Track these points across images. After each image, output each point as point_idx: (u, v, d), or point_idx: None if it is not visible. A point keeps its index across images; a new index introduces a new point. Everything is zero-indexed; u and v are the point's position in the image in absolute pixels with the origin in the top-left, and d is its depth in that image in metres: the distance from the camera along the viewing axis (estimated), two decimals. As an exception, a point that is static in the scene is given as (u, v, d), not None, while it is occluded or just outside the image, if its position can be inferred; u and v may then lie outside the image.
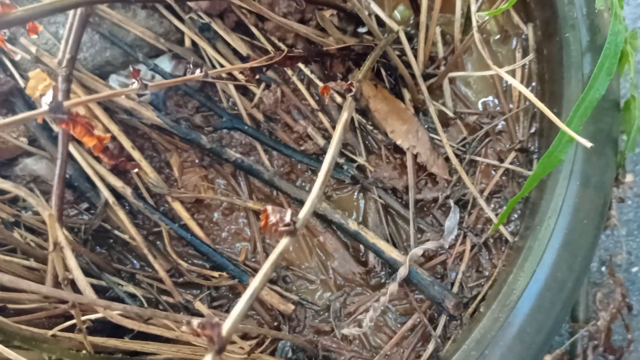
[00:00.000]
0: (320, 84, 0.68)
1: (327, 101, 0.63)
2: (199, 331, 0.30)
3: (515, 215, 0.66)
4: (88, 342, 0.43)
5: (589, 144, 0.45)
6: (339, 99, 0.68)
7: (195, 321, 0.30)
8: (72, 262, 0.38)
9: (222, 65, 0.69)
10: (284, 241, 0.36)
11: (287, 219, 0.36)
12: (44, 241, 0.59)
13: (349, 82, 0.39)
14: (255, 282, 0.33)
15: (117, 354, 0.48)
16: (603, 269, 0.92)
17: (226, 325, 0.30)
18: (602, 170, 0.60)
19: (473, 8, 0.58)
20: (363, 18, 0.53)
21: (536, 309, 0.55)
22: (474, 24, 0.54)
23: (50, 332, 0.42)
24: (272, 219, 0.37)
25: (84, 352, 0.42)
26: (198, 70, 0.41)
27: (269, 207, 0.36)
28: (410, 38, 0.70)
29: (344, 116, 0.38)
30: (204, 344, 0.48)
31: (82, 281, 0.39)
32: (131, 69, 0.68)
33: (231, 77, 0.69)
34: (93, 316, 0.42)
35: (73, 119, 0.31)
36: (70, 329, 0.48)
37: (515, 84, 0.47)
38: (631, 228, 0.94)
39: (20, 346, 0.41)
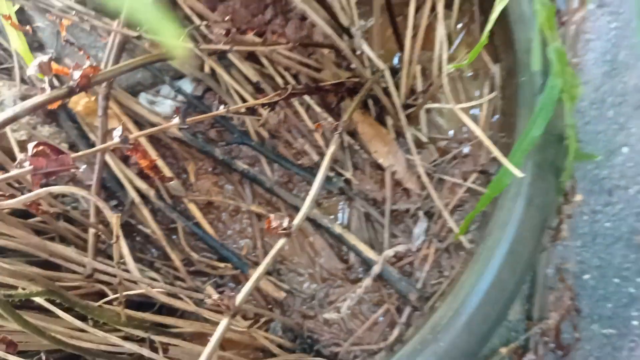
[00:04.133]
0: (318, 109, 0.81)
1: (321, 130, 0.75)
2: (219, 301, 0.43)
3: (474, 226, 0.79)
4: (124, 312, 0.56)
5: (521, 174, 0.58)
6: (332, 121, 0.81)
7: (216, 295, 0.43)
8: (125, 250, 0.51)
9: (234, 87, 0.81)
10: (281, 241, 0.48)
11: (285, 224, 0.49)
12: (82, 232, 0.71)
13: (336, 124, 0.52)
14: (259, 269, 0.46)
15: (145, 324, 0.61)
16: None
17: (238, 298, 0.43)
18: (544, 193, 0.72)
19: (444, 56, 0.70)
20: (353, 61, 0.66)
21: (482, 304, 0.65)
22: (444, 73, 0.67)
23: (97, 303, 0.54)
24: (274, 223, 0.49)
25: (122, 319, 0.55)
26: (222, 107, 0.54)
27: (272, 215, 0.49)
28: (396, 71, 0.83)
29: (331, 149, 0.51)
30: (217, 316, 0.60)
31: (132, 264, 0.52)
32: (159, 89, 0.81)
33: (242, 100, 0.81)
34: (132, 292, 0.54)
35: (135, 147, 0.44)
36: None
37: (467, 121, 0.60)
38: (585, 240, 1.06)
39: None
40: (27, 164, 0.37)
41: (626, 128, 1.11)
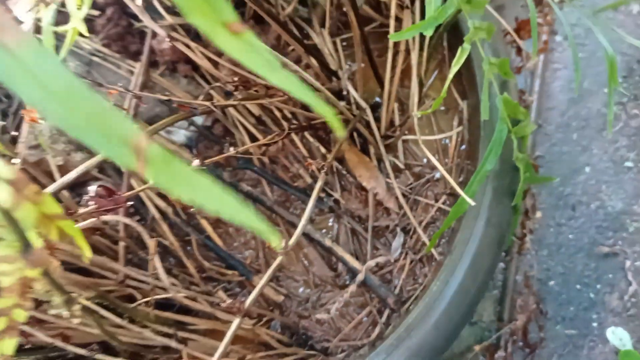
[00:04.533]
0: (311, 139, 0.94)
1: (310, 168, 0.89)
2: (232, 305, 0.56)
3: (444, 240, 0.92)
4: (153, 312, 0.69)
5: (473, 203, 0.72)
6: (323, 150, 0.95)
7: (229, 300, 0.56)
8: (158, 264, 0.64)
9: (239, 120, 0.95)
10: (280, 258, 0.62)
11: (282, 244, 0.62)
12: (112, 244, 0.85)
13: (322, 164, 0.65)
14: (262, 281, 0.59)
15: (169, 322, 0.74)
16: (527, 281, 1.16)
17: (247, 302, 0.56)
18: (500, 214, 0.84)
19: (416, 99, 0.84)
20: (337, 106, 0.79)
21: (448, 307, 0.75)
22: (414, 114, 0.81)
23: (132, 305, 0.68)
24: (274, 243, 0.63)
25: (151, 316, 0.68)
26: (232, 148, 0.68)
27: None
28: (378, 106, 0.97)
29: (319, 184, 0.65)
30: (230, 316, 0.73)
31: (163, 275, 0.65)
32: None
33: (246, 130, 0.95)
34: (160, 296, 0.67)
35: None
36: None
37: (430, 157, 0.74)
38: (551, 250, 1.18)
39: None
40: (91, 203, 0.50)
41: (589, 149, 1.24)
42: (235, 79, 0.64)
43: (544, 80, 1.31)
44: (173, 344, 0.63)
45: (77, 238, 0.34)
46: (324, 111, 0.22)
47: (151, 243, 0.54)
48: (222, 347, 0.52)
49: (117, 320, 0.63)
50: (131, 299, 0.76)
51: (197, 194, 0.23)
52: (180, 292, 0.62)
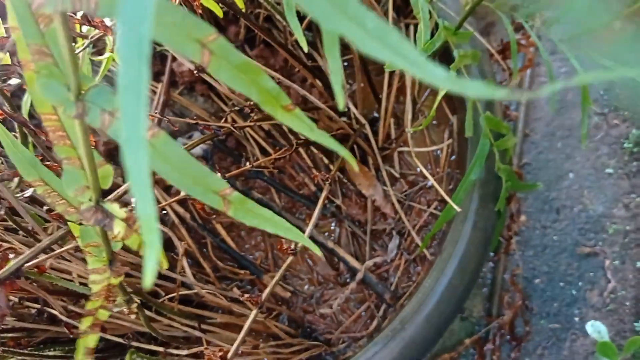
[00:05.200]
0: (315, 150, 1.04)
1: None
2: (249, 298, 0.66)
3: (435, 242, 1.01)
4: (177, 306, 0.79)
5: (458, 209, 0.82)
6: (326, 160, 1.05)
7: (246, 295, 0.66)
8: (185, 264, 0.74)
9: (250, 134, 1.05)
10: (289, 258, 0.71)
11: (292, 247, 0.71)
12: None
13: (327, 176, 0.75)
14: (274, 280, 0.69)
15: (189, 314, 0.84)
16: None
17: (263, 295, 0.66)
18: (486, 218, 0.93)
19: (409, 116, 0.94)
20: (338, 122, 0.89)
21: (439, 302, 0.82)
22: (408, 131, 0.90)
23: (160, 300, 0.78)
24: (285, 246, 0.72)
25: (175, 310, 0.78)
26: (247, 162, 0.77)
27: (283, 240, 0.72)
28: (376, 120, 1.06)
29: (323, 194, 0.74)
30: (243, 310, 0.83)
31: (189, 273, 0.75)
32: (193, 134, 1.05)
33: (256, 142, 1.05)
34: (186, 292, 0.77)
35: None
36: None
37: (422, 168, 0.83)
38: (537, 250, 1.26)
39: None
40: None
41: (572, 157, 1.32)
42: (252, 102, 0.74)
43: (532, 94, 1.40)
44: (197, 333, 0.72)
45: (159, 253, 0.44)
46: (340, 150, 0.32)
47: (181, 246, 0.64)
48: (242, 333, 0.61)
49: (149, 313, 0.72)
50: (155, 295, 0.86)
51: (262, 223, 0.35)
52: (204, 288, 0.72)
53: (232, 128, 0.70)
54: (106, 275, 0.43)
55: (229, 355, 0.57)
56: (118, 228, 0.37)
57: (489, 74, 0.98)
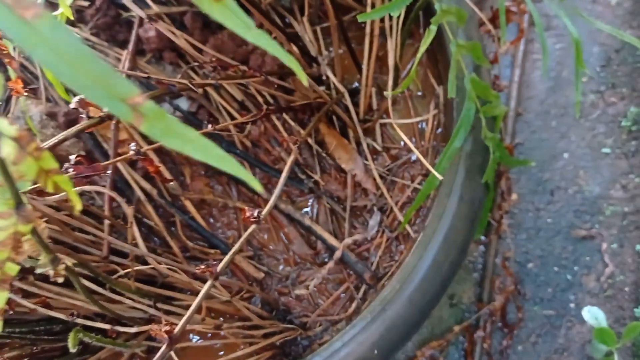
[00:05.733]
0: (292, 123, 0.98)
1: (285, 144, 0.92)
2: (205, 269, 0.59)
3: (419, 219, 0.95)
4: (134, 284, 0.72)
5: (440, 177, 0.75)
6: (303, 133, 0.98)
7: (203, 265, 0.59)
8: (137, 234, 0.67)
9: (222, 105, 0.98)
10: (253, 226, 0.65)
11: (255, 214, 0.65)
12: (99, 224, 0.88)
13: (296, 139, 0.68)
14: (235, 247, 0.62)
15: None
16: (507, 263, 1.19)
17: (219, 266, 0.59)
18: (473, 191, 0.87)
19: (391, 82, 0.87)
20: (314, 88, 0.83)
21: (422, 281, 0.78)
22: (387, 95, 0.84)
23: (114, 277, 0.71)
24: (247, 214, 0.66)
25: (133, 288, 0.71)
26: (209, 126, 0.71)
27: (246, 207, 0.65)
28: (357, 91, 1.00)
29: (291, 158, 0.68)
30: (215, 290, 0.76)
31: (141, 243, 0.68)
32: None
33: (229, 115, 0.98)
34: (143, 267, 0.71)
35: (145, 158, 0.61)
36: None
37: (405, 138, 0.77)
38: (530, 233, 1.21)
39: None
40: (71, 170, 0.53)
41: (567, 137, 1.27)
42: (213, 59, 0.68)
43: (524, 71, 1.35)
44: (152, 310, 0.66)
45: (69, 192, 0.37)
46: (290, 61, 0.26)
47: (128, 211, 0.57)
48: (193, 306, 0.55)
49: (99, 289, 0.66)
50: (115, 274, 0.79)
51: (185, 145, 0.27)
52: (159, 261, 0.65)
53: (189, 85, 0.64)
54: (12, 221, 0.37)
55: (176, 330, 0.51)
56: (7, 149, 0.31)
57: (476, 39, 0.92)
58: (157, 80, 0.62)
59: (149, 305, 0.70)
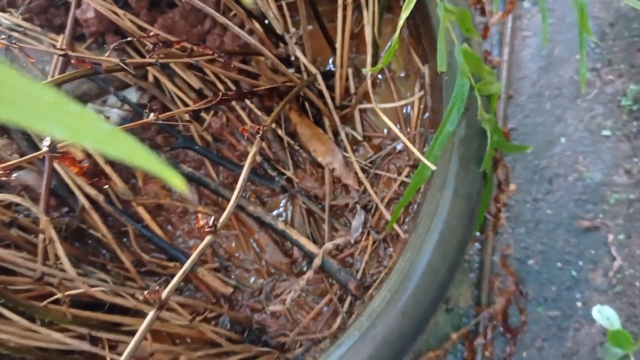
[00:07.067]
0: (258, 112, 0.85)
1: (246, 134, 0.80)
2: (147, 296, 0.46)
3: (409, 217, 0.83)
4: (68, 311, 0.59)
5: (433, 167, 0.63)
6: (273, 125, 0.85)
7: (145, 291, 0.47)
8: (60, 252, 0.54)
9: (177, 95, 0.85)
10: (208, 237, 0.52)
11: (211, 223, 0.52)
12: (33, 238, 0.74)
13: (258, 127, 0.56)
14: (184, 267, 0.49)
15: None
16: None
17: (164, 293, 0.46)
18: (469, 183, 0.76)
19: (369, 59, 0.75)
20: (280, 67, 0.70)
21: (416, 289, 0.69)
22: (368, 77, 0.72)
23: (42, 304, 0.58)
24: (202, 222, 0.53)
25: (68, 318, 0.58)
26: (152, 115, 0.58)
27: (200, 215, 0.52)
28: (332, 74, 0.88)
29: (253, 150, 0.55)
30: (166, 313, 0.64)
31: (67, 264, 0.55)
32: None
33: (185, 106, 0.85)
34: (74, 292, 0.57)
35: (63, 155, 0.48)
36: (55, 304, 0.64)
37: (389, 123, 0.65)
38: (529, 227, 1.12)
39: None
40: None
41: (563, 119, 1.17)
42: (152, 33, 0.55)
43: (513, 49, 1.24)
44: (85, 346, 0.53)
45: None
46: None
47: (44, 222, 0.44)
48: (131, 344, 0.42)
49: (24, 322, 0.52)
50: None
51: (25, 112, 0.12)
52: (91, 285, 0.52)
53: (121, 64, 0.51)
54: None
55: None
56: None
57: (463, 5, 0.81)
58: (77, 58, 0.49)
59: (89, 338, 0.57)
